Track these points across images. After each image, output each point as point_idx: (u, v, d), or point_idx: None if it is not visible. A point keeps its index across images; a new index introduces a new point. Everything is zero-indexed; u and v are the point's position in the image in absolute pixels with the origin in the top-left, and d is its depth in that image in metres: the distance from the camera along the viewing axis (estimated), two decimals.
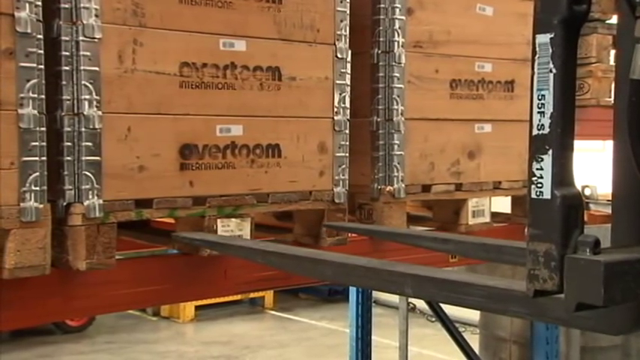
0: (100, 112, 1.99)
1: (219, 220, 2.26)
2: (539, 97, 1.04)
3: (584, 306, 1.02)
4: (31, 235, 1.86)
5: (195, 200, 2.20)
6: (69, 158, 1.96)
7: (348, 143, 2.54)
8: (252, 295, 9.51)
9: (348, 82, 2.51)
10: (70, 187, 1.97)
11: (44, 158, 1.89)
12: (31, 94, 1.85)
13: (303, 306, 10.17)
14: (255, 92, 2.30)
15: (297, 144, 2.42)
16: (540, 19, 1.05)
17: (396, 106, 2.68)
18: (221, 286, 2.37)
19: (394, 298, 6.74)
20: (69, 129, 1.96)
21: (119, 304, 2.20)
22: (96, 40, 1.97)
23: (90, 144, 1.98)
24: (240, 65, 2.26)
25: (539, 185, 1.05)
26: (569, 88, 1.04)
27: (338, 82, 2.49)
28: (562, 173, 1.04)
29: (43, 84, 1.88)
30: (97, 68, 1.98)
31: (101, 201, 2.00)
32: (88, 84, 1.97)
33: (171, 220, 2.37)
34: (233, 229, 2.30)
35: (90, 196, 1.98)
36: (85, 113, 1.97)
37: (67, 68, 1.94)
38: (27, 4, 1.83)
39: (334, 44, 2.47)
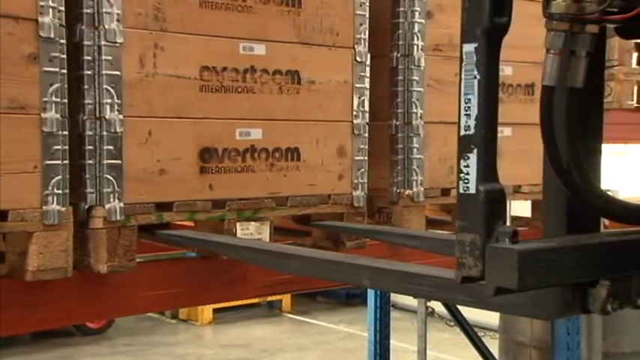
0: (121, 116, 2.00)
1: (238, 224, 2.26)
2: (466, 101, 1.13)
3: (503, 290, 1.10)
4: (53, 237, 1.87)
5: (214, 203, 2.21)
6: (90, 162, 1.98)
7: (367, 147, 2.53)
8: (269, 298, 9.52)
9: (368, 86, 2.51)
10: (92, 190, 1.98)
11: (66, 162, 1.90)
12: (54, 99, 1.87)
13: (320, 309, 10.16)
14: (275, 96, 2.31)
15: (317, 147, 2.42)
16: (465, 30, 1.13)
17: (415, 110, 2.67)
18: (241, 290, 2.38)
19: (413, 302, 6.71)
20: (91, 133, 1.98)
21: (139, 307, 2.22)
22: (117, 44, 1.99)
23: (111, 147, 1.99)
24: (259, 69, 2.27)
25: (466, 181, 1.13)
26: (492, 93, 1.13)
27: (357, 85, 2.49)
28: (486, 170, 1.12)
29: (65, 88, 1.90)
30: (118, 72, 2.00)
31: (122, 204, 2.01)
32: (109, 88, 1.98)
33: None
34: (252, 232, 2.30)
35: (111, 200, 1.99)
36: (107, 117, 1.98)
37: (89, 72, 1.96)
38: (50, 10, 1.85)
39: (354, 48, 2.47)
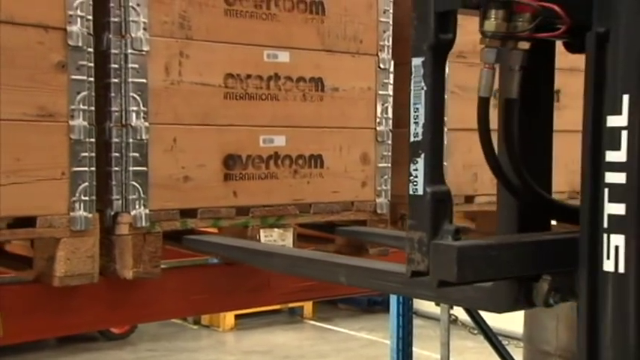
0: (147, 124, 2.03)
1: (262, 230, 2.27)
2: (414, 110, 1.22)
3: (445, 283, 1.19)
4: (80, 244, 1.90)
5: (238, 210, 2.22)
6: (117, 169, 2.00)
7: (390, 154, 2.53)
8: (291, 304, 9.52)
9: (391, 93, 2.51)
10: (118, 196, 2.01)
11: (93, 169, 1.93)
12: (81, 106, 1.90)
13: (342, 316, 10.14)
14: (299, 103, 2.32)
15: (340, 154, 2.42)
16: (414, 45, 1.22)
17: None
18: (264, 296, 2.39)
19: (435, 310, 6.67)
20: (117, 140, 2.00)
21: (164, 313, 2.24)
22: (144, 52, 2.01)
23: (137, 154, 2.01)
24: (283, 76, 2.28)
25: (415, 183, 1.22)
26: (438, 103, 1.21)
27: (380, 92, 2.49)
28: (432, 173, 1.22)
29: (92, 96, 1.93)
30: (144, 80, 2.02)
31: (147, 211, 2.03)
32: (135, 96, 2.01)
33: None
34: (276, 239, 2.31)
35: (137, 206, 2.01)
36: (133, 124, 2.01)
37: (115, 80, 1.99)
38: (78, 19, 1.88)
39: (377, 55, 2.48)
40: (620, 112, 1.08)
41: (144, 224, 2.02)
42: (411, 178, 1.22)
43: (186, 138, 2.11)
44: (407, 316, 4.90)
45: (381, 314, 8.70)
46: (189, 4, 2.09)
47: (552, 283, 1.25)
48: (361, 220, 2.49)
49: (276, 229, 2.30)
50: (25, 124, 1.83)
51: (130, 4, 1.97)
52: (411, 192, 1.23)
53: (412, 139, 1.23)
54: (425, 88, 1.20)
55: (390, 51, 2.50)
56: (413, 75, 1.22)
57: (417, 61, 1.22)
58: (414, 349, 5.01)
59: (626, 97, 1.08)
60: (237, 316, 9.51)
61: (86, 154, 1.91)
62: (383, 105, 2.50)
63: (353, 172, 2.45)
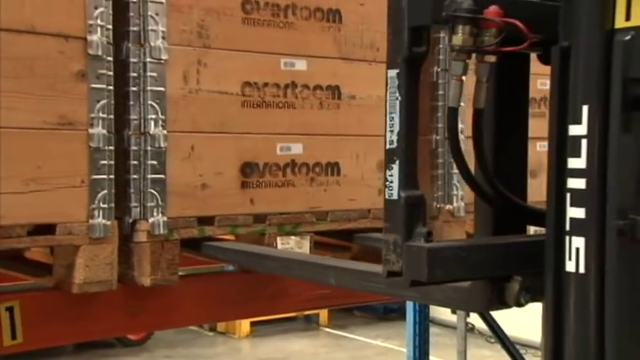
0: (165, 131, 2.04)
1: (278, 238, 2.27)
2: (390, 119, 1.28)
3: (417, 282, 1.26)
4: (99, 251, 1.91)
5: (255, 218, 2.22)
6: (135, 176, 2.02)
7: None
8: (307, 312, 9.51)
9: None
10: (136, 204, 2.02)
11: (112, 176, 1.94)
12: (100, 115, 1.92)
13: (357, 324, 10.10)
14: (315, 111, 2.32)
15: (357, 162, 2.42)
16: (389, 58, 1.29)
17: None
18: (282, 304, 2.39)
19: (452, 318, 6.63)
20: (135, 148, 2.02)
21: (182, 320, 2.24)
22: (162, 61, 2.03)
23: (155, 162, 2.03)
24: (300, 84, 2.29)
25: (390, 188, 1.28)
26: (412, 113, 1.28)
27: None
28: (407, 179, 1.27)
29: (112, 104, 1.94)
30: (162, 89, 2.03)
31: (165, 218, 2.04)
32: (154, 104, 2.02)
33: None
34: (293, 246, 2.31)
35: (155, 214, 2.02)
36: (151, 132, 2.02)
37: (134, 89, 2.01)
38: (98, 28, 1.90)
39: None
40: (580, 122, 1.13)
41: (162, 232, 2.03)
42: (387, 183, 1.29)
43: (203, 146, 2.12)
44: (423, 324, 4.88)
45: (397, 322, 8.65)
46: (208, 13, 2.10)
47: (523, 284, 1.30)
48: (378, 227, 2.49)
49: (293, 237, 2.31)
50: (46, 132, 1.85)
51: (149, 13, 1.99)
52: (386, 196, 1.29)
53: (387, 146, 1.28)
54: (399, 98, 1.26)
55: None
56: (389, 86, 1.28)
57: (392, 73, 1.28)
58: (430, 357, 4.98)
59: (585, 108, 1.13)
60: (252, 323, 9.51)
61: (105, 162, 1.93)
62: None
63: (370, 180, 2.45)
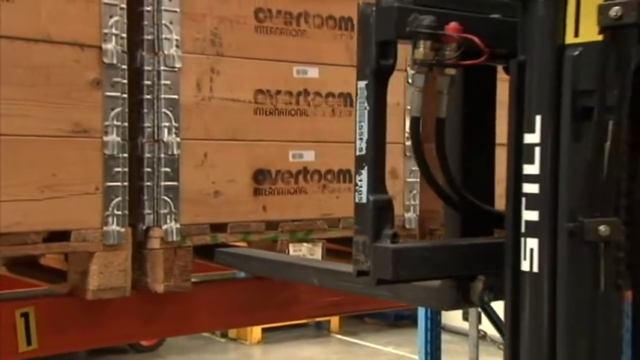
0: (178, 139, 2.05)
1: (291, 245, 2.28)
2: (359, 128, 1.35)
3: (383, 281, 1.33)
4: (113, 257, 1.92)
5: (268, 224, 2.23)
6: (149, 183, 2.03)
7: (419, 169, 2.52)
8: (318, 318, 9.50)
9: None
10: (150, 211, 2.03)
11: (126, 183, 1.96)
12: (115, 122, 1.93)
13: (369, 330, 10.08)
14: (328, 118, 2.33)
15: None
16: (359, 70, 1.36)
17: None
18: (294, 311, 2.39)
19: (464, 325, 6.60)
20: (149, 155, 2.03)
21: (194, 327, 2.25)
22: (176, 69, 2.04)
23: (168, 169, 2.04)
24: (312, 92, 2.30)
25: (360, 192, 1.35)
26: (380, 122, 1.35)
27: (409, 107, 2.49)
28: (375, 183, 1.35)
29: (126, 112, 1.96)
30: (176, 96, 2.05)
31: (179, 225, 2.05)
32: (167, 112, 2.04)
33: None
34: (305, 253, 2.32)
35: (168, 220, 2.04)
36: (165, 140, 2.03)
37: (148, 97, 2.02)
38: (113, 37, 1.92)
39: (406, 70, 2.48)
40: (534, 131, 1.20)
41: (175, 238, 2.04)
42: (357, 187, 1.36)
43: (216, 153, 2.13)
44: (435, 331, 4.86)
45: (408, 329, 8.62)
46: (221, 22, 2.12)
47: (486, 283, 1.38)
48: None
49: (305, 244, 2.31)
50: (61, 139, 1.87)
51: (163, 21, 2.01)
52: (356, 200, 1.36)
53: (357, 153, 1.36)
54: (368, 108, 1.33)
55: None
56: (358, 96, 1.35)
57: (361, 84, 1.35)
58: None
59: (538, 118, 1.19)
60: (264, 330, 9.50)
61: (119, 169, 1.94)
62: None
63: None
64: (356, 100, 1.36)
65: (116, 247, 1.93)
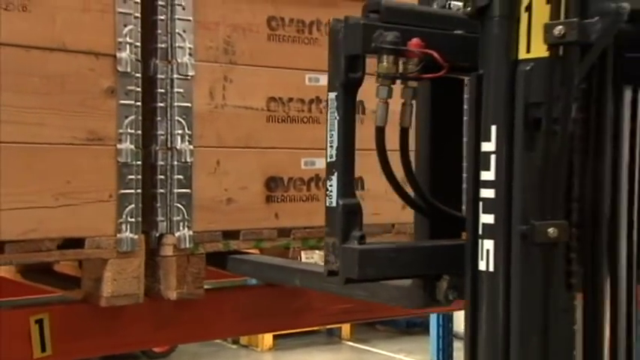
0: (191, 147, 2.07)
1: (303, 252, 2.28)
2: (330, 136, 1.45)
3: (351, 280, 1.42)
4: (126, 264, 1.94)
5: (280, 232, 2.24)
6: (162, 191, 2.04)
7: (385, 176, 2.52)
8: (329, 325, 9.48)
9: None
10: (163, 218, 2.04)
11: (139, 191, 1.97)
12: (129, 130, 1.95)
13: (380, 337, 10.05)
14: None
15: (380, 177, 2.40)
16: (329, 82, 1.44)
17: None
18: (306, 318, 2.39)
19: None
20: (162, 162, 2.04)
21: (207, 334, 2.25)
22: (189, 77, 2.06)
23: (181, 177, 2.05)
24: (324, 99, 2.29)
25: (330, 197, 1.44)
26: (349, 131, 1.45)
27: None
28: (344, 188, 1.44)
29: (140, 120, 1.97)
30: (189, 104, 2.06)
31: (191, 232, 2.06)
32: (180, 119, 2.05)
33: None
34: (317, 260, 2.32)
35: (181, 228, 2.05)
36: (178, 147, 2.05)
37: (161, 105, 2.04)
38: (127, 45, 1.93)
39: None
40: (490, 140, 1.28)
41: (188, 245, 2.05)
42: (328, 192, 1.44)
43: (229, 160, 2.14)
44: (447, 338, 4.85)
45: (420, 336, 8.59)
46: (234, 30, 2.13)
47: (450, 282, 1.47)
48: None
49: (317, 251, 2.32)
50: (75, 147, 1.88)
51: (177, 30, 2.02)
52: (327, 204, 1.44)
53: (328, 159, 1.45)
54: (338, 118, 1.43)
55: None
56: (329, 107, 1.44)
57: (331, 95, 1.44)
58: None
59: (494, 127, 1.28)
60: (275, 337, 9.50)
61: (133, 176, 1.96)
62: None
63: (393, 194, 2.42)
64: (327, 110, 1.44)
65: (129, 255, 1.94)
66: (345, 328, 10.09)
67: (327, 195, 1.44)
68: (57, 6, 1.84)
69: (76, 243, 1.89)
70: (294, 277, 1.93)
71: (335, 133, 1.44)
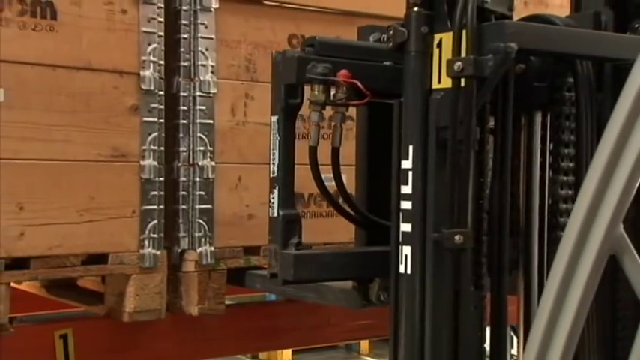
0: (213, 163, 2.09)
1: None
2: (272, 154, 1.62)
3: (287, 281, 1.58)
4: (149, 280, 1.95)
5: None
6: (184, 207, 2.06)
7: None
8: (348, 341, 9.43)
9: None
10: (185, 234, 2.06)
11: (162, 207, 1.99)
12: (152, 147, 1.98)
13: None
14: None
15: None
16: (271, 107, 1.62)
17: None
18: (325, 334, 2.39)
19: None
20: (184, 179, 2.07)
21: (228, 349, 2.26)
22: (211, 94, 2.08)
23: (203, 193, 2.07)
24: (347, 116, 2.31)
25: (273, 208, 1.60)
26: (289, 149, 1.61)
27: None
28: (284, 201, 1.60)
29: (162, 137, 2.00)
30: (211, 121, 2.09)
31: (213, 248, 2.08)
32: (202, 136, 2.07)
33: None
34: None
35: (202, 244, 2.06)
36: (200, 164, 2.07)
37: (184, 122, 2.06)
38: (151, 64, 1.97)
39: None
40: (408, 158, 1.45)
41: (209, 261, 2.07)
42: (270, 204, 1.61)
43: (250, 177, 2.16)
44: None
45: None
46: (255, 48, 2.16)
47: (381, 284, 1.62)
48: None
49: None
50: (100, 164, 1.91)
51: (200, 48, 2.05)
52: (270, 215, 1.61)
53: (271, 175, 1.62)
54: (279, 138, 1.60)
55: None
56: (271, 128, 1.61)
57: (274, 119, 1.61)
58: None
59: (411, 147, 1.44)
60: (294, 351, 9.46)
61: (155, 192, 1.98)
62: None
63: None
64: (270, 132, 1.61)
65: (152, 270, 1.96)
66: (364, 344, 10.02)
67: (270, 206, 1.60)
68: (83, 26, 1.88)
69: (99, 258, 1.91)
70: (255, 282, 2.09)
71: (277, 152, 1.60)
